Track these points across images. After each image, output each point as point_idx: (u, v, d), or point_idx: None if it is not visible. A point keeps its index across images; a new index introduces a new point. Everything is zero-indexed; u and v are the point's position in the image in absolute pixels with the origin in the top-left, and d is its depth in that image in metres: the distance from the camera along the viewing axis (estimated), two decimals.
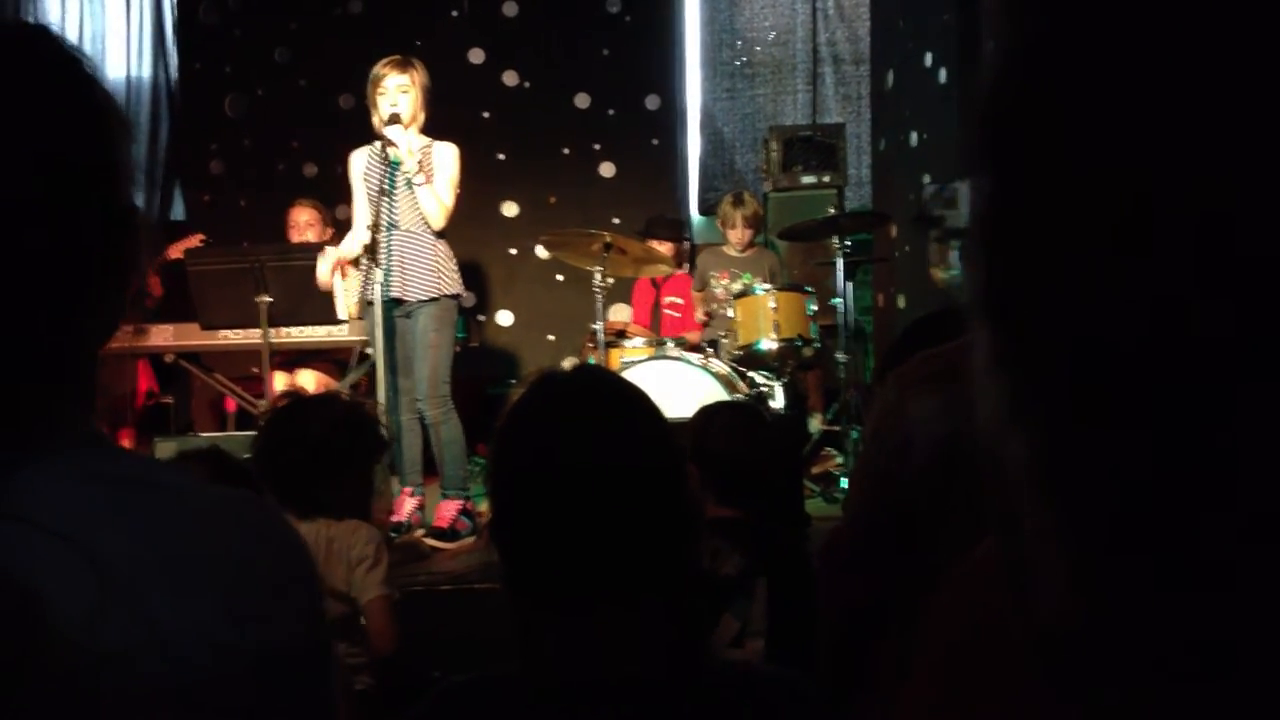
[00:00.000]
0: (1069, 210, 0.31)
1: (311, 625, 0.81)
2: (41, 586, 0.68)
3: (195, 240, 6.24)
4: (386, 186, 4.51)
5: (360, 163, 4.69)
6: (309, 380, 5.70)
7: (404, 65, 4.56)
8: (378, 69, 4.57)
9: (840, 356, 5.41)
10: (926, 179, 5.71)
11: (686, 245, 7.06)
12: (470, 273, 4.78)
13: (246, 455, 2.85)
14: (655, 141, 7.60)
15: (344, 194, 5.24)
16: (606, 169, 7.53)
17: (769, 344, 5.28)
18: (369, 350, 4.57)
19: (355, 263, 4.89)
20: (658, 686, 1.12)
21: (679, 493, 1.20)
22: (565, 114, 7.46)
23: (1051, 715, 0.37)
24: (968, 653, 0.62)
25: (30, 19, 7.84)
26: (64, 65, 0.76)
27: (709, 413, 2.66)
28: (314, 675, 0.81)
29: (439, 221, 4.54)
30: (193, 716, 0.72)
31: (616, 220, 7.04)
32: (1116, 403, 0.30)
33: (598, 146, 7.51)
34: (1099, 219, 0.30)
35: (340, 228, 5.98)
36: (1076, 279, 0.31)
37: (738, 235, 6.18)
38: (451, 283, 4.61)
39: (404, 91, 4.53)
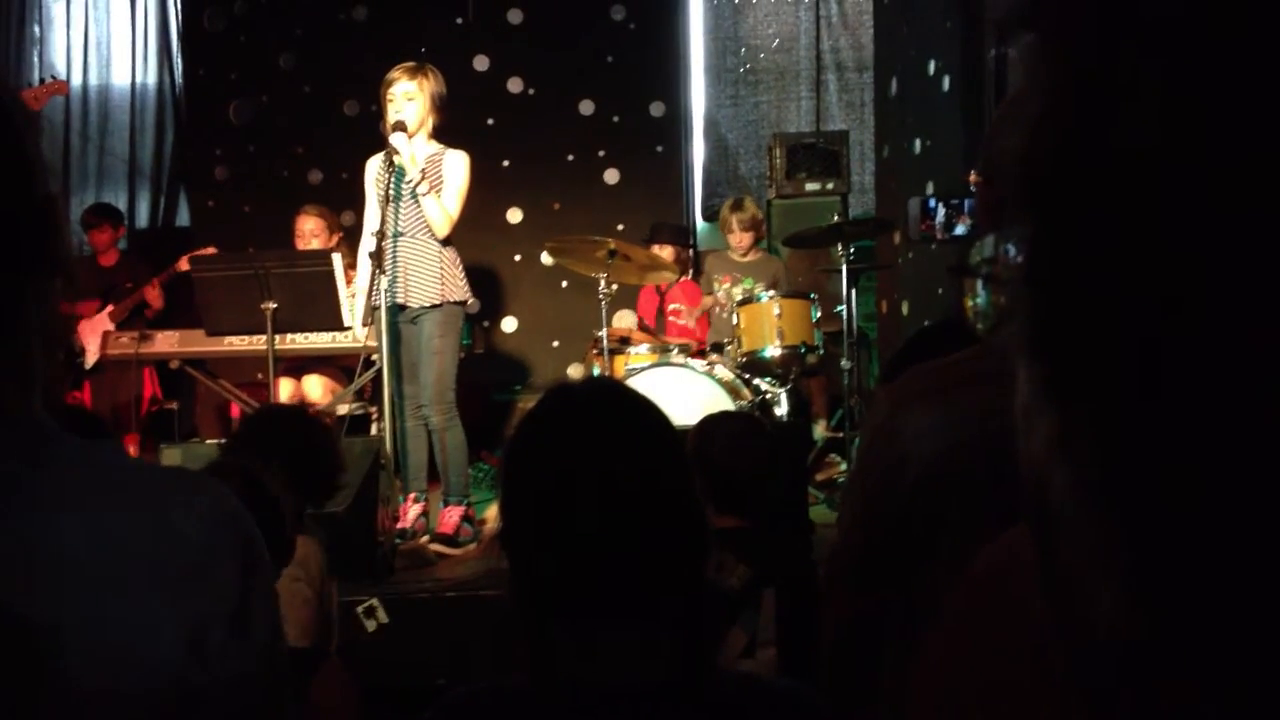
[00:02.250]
0: (1122, 261, 0.32)
1: (246, 586, 0.82)
2: None
3: (208, 252, 6.24)
4: (392, 193, 4.52)
5: (373, 170, 4.69)
6: (315, 386, 5.71)
7: (414, 72, 4.56)
8: (389, 74, 4.58)
9: (844, 363, 5.41)
10: (930, 187, 5.71)
11: (690, 252, 7.08)
12: (475, 279, 4.78)
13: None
14: (659, 148, 7.61)
15: (350, 200, 5.25)
16: (611, 175, 7.54)
17: (773, 351, 5.28)
18: (375, 357, 4.58)
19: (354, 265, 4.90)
20: (667, 697, 1.13)
21: (691, 503, 1.21)
22: (570, 121, 7.48)
23: None
24: (971, 670, 0.63)
25: (36, 25, 7.88)
26: None
27: (708, 423, 2.67)
28: (254, 635, 0.82)
29: (442, 230, 4.54)
30: (132, 689, 0.74)
31: (621, 227, 7.05)
32: (1170, 428, 0.31)
33: (602, 153, 7.53)
34: (1152, 275, 0.31)
35: (347, 233, 6.00)
36: (1127, 322, 0.32)
37: (736, 239, 6.20)
38: (457, 289, 4.61)
39: (410, 99, 4.53)
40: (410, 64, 4.61)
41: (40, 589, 0.73)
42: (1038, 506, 0.36)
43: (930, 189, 5.71)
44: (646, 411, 1.23)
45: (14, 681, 0.71)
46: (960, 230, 4.47)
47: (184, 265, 6.18)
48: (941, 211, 4.47)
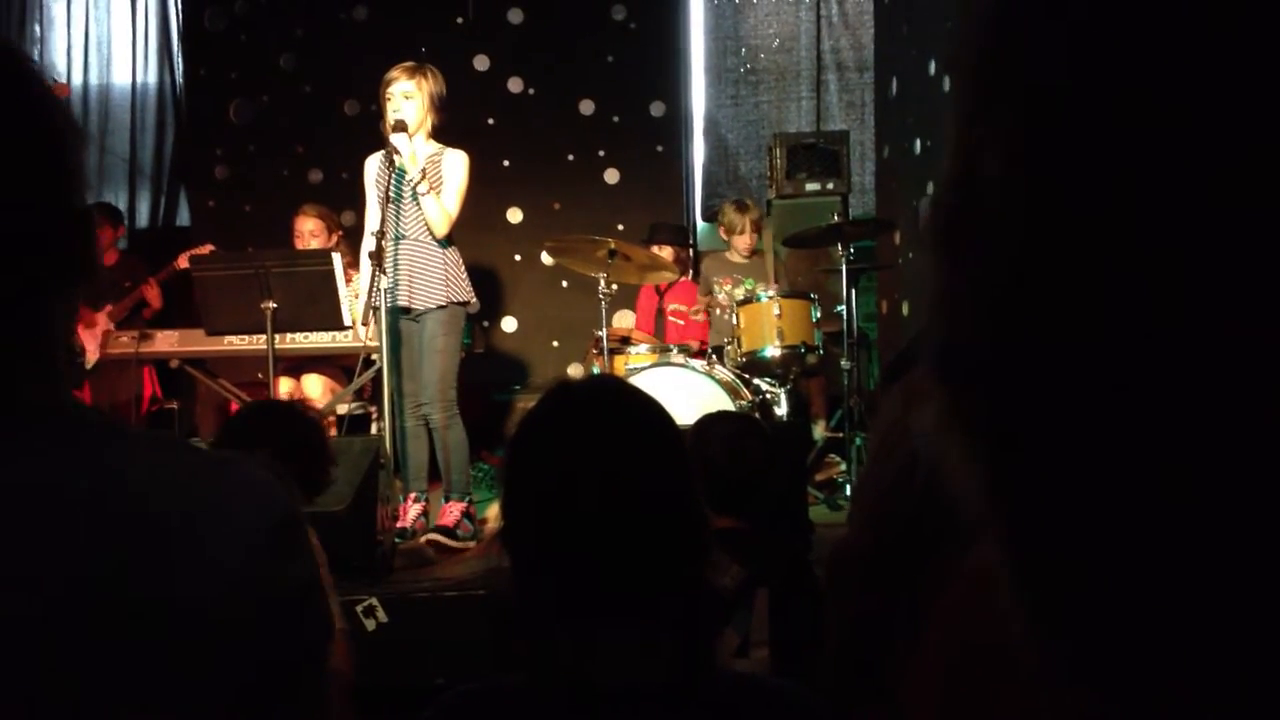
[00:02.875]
0: (1000, 286, 0.35)
1: (315, 561, 0.85)
2: (65, 552, 0.73)
3: (205, 250, 6.24)
4: (393, 194, 4.52)
5: (372, 168, 4.69)
6: (314, 385, 5.71)
7: (412, 72, 4.56)
8: (388, 74, 4.58)
9: (844, 363, 5.41)
10: (930, 187, 5.71)
11: (690, 252, 7.07)
12: (475, 279, 4.77)
13: None
14: (660, 148, 7.61)
15: (350, 199, 5.25)
16: (611, 175, 7.54)
17: (773, 351, 5.28)
18: (374, 356, 4.58)
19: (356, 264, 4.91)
20: (667, 697, 1.13)
21: (692, 502, 1.20)
22: (570, 120, 7.48)
23: None
24: (963, 669, 0.63)
25: (37, 24, 7.89)
26: (16, 77, 0.79)
27: (706, 423, 2.66)
28: (321, 606, 0.85)
29: (441, 229, 4.54)
30: (213, 656, 0.76)
31: (621, 227, 7.05)
32: (1061, 459, 0.33)
33: (602, 153, 7.53)
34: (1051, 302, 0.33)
35: (347, 233, 6.00)
36: (1016, 354, 0.34)
37: (745, 241, 6.19)
38: (459, 290, 4.61)
39: (408, 98, 4.53)
40: (409, 63, 4.60)
41: (121, 558, 0.75)
42: (961, 518, 0.38)
43: (930, 189, 5.71)
44: (648, 410, 1.23)
45: (95, 648, 0.73)
46: None
47: (182, 263, 6.18)
48: None
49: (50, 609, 0.72)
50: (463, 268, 4.66)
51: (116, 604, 0.73)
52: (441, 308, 4.56)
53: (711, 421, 2.67)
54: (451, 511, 4.63)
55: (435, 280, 4.55)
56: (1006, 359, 0.34)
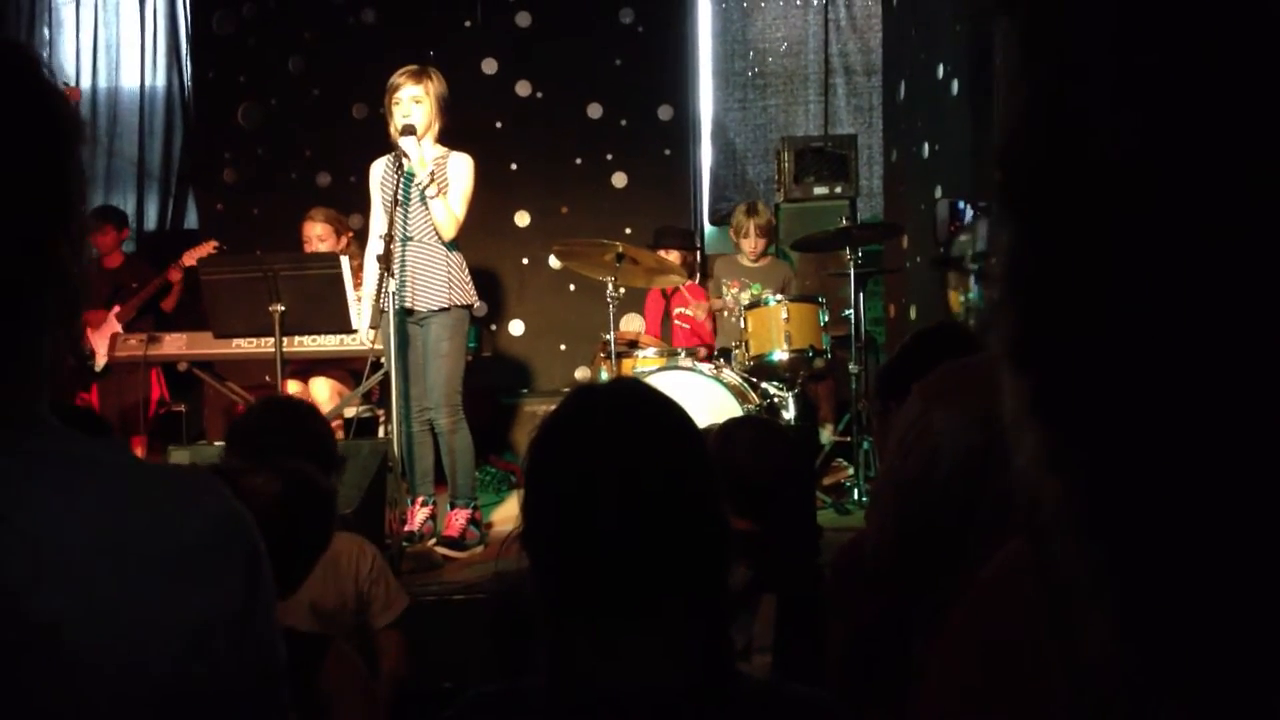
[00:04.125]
0: (1107, 260, 0.31)
1: (251, 593, 0.82)
2: None
3: (209, 247, 6.25)
4: (400, 197, 4.52)
5: (378, 172, 4.70)
6: (322, 389, 5.71)
7: (419, 76, 4.57)
8: (394, 79, 4.58)
9: (852, 368, 5.40)
10: (938, 191, 5.70)
11: (697, 255, 7.07)
12: (482, 282, 4.78)
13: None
14: (667, 152, 7.61)
15: (357, 203, 5.25)
16: (619, 179, 7.54)
17: (781, 355, 5.28)
18: (382, 360, 4.58)
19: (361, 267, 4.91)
20: (688, 701, 1.12)
21: (713, 504, 1.20)
22: (578, 124, 7.48)
23: None
24: (985, 671, 0.62)
25: (46, 28, 7.90)
26: (20, 72, 0.78)
27: (732, 426, 2.66)
28: (254, 645, 0.83)
29: (449, 232, 4.54)
30: (131, 686, 0.74)
31: (628, 230, 7.05)
32: (1157, 448, 0.30)
33: (610, 157, 7.53)
34: (1138, 269, 0.30)
35: (355, 236, 6.00)
36: (1111, 325, 0.31)
37: (751, 244, 6.18)
38: (463, 293, 4.61)
39: (417, 102, 4.54)
40: (413, 67, 4.61)
41: (43, 584, 0.73)
42: (1032, 522, 0.35)
43: (939, 193, 5.70)
44: (669, 412, 1.23)
45: (16, 674, 0.71)
46: None
47: (188, 261, 6.20)
48: (970, 214, 4.44)
49: None
50: (466, 271, 4.66)
51: (15, 630, 0.71)
52: (444, 310, 4.55)
53: (737, 425, 2.67)
54: (457, 520, 4.63)
55: (437, 282, 4.55)
56: (1115, 349, 0.30)
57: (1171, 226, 0.30)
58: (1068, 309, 0.32)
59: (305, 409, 2.84)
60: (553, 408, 1.25)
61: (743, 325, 5.44)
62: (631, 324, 6.87)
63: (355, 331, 4.90)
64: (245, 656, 0.81)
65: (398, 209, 4.50)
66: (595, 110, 7.51)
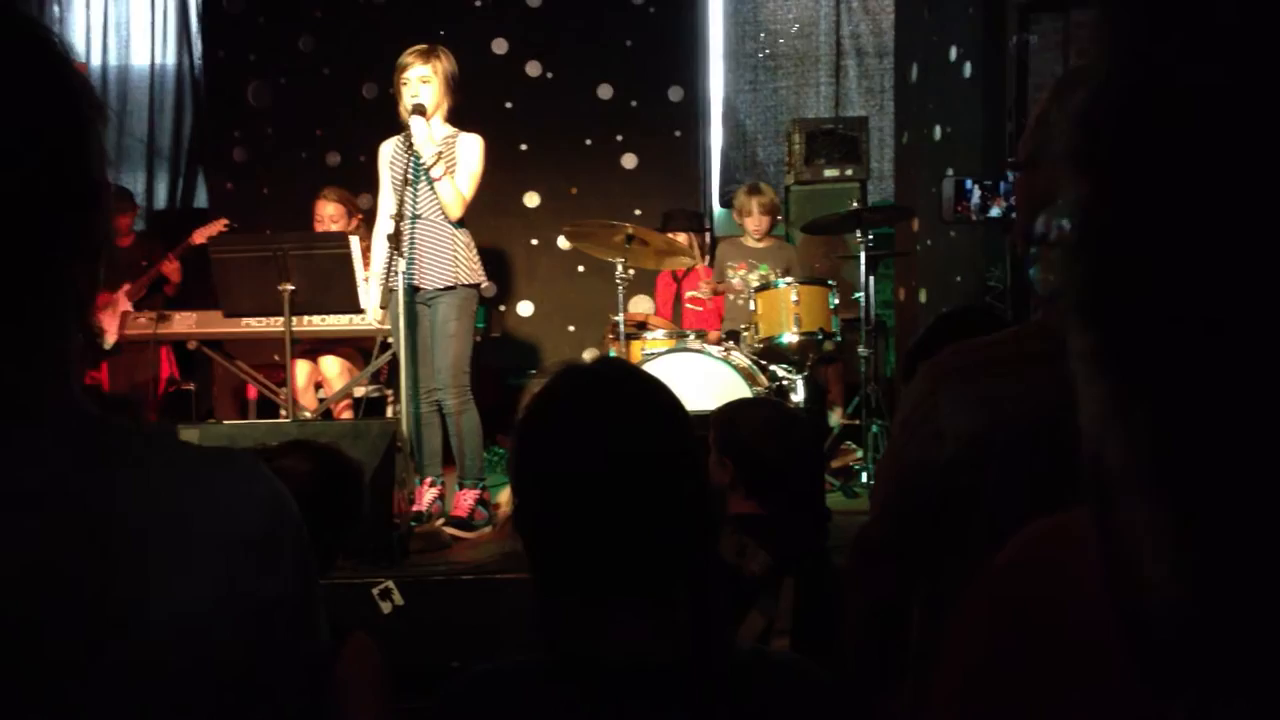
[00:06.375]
0: (1179, 217, 0.31)
1: (303, 577, 0.83)
2: (50, 558, 0.71)
3: (219, 225, 6.25)
4: (410, 177, 4.52)
5: (388, 152, 4.70)
6: (332, 366, 5.73)
7: (427, 55, 4.55)
8: (402, 58, 4.57)
9: (861, 350, 5.40)
10: (950, 174, 5.68)
11: (707, 237, 7.05)
12: (491, 263, 4.78)
13: (267, 443, 2.85)
14: (678, 133, 7.59)
15: (368, 182, 5.25)
16: (629, 160, 7.53)
17: (790, 337, 5.27)
18: (391, 339, 4.58)
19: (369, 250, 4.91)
20: (679, 676, 1.13)
21: (699, 483, 1.20)
22: (588, 105, 7.46)
23: (1125, 711, 0.37)
24: (1012, 649, 0.62)
25: (56, 5, 7.90)
26: (35, 45, 0.77)
27: (741, 406, 2.66)
28: (306, 626, 0.83)
29: (455, 212, 4.54)
30: (200, 671, 0.74)
31: (638, 212, 7.04)
32: (1225, 402, 0.30)
33: (620, 138, 7.51)
34: (1210, 227, 0.30)
35: (365, 216, 6.00)
36: (1180, 280, 0.31)
37: (754, 224, 6.17)
38: (470, 272, 4.61)
39: (425, 82, 4.53)
40: (422, 47, 4.59)
41: (118, 569, 0.73)
42: (1093, 477, 0.35)
43: (951, 173, 5.68)
44: (655, 391, 1.23)
45: (91, 660, 0.71)
46: (995, 212, 4.43)
47: (198, 239, 6.20)
48: (977, 193, 4.43)
49: (26, 613, 0.70)
50: (474, 250, 4.65)
51: (94, 612, 0.71)
52: (450, 289, 4.55)
53: (748, 406, 2.67)
54: (465, 500, 4.64)
55: (444, 260, 4.55)
56: (1188, 301, 0.30)
57: (1252, 183, 0.30)
58: (1141, 263, 0.32)
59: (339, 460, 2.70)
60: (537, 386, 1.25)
61: (752, 307, 5.43)
62: (641, 306, 6.87)
63: (364, 312, 4.91)
64: (300, 640, 0.82)
65: (407, 188, 4.50)
66: (605, 91, 7.49)
